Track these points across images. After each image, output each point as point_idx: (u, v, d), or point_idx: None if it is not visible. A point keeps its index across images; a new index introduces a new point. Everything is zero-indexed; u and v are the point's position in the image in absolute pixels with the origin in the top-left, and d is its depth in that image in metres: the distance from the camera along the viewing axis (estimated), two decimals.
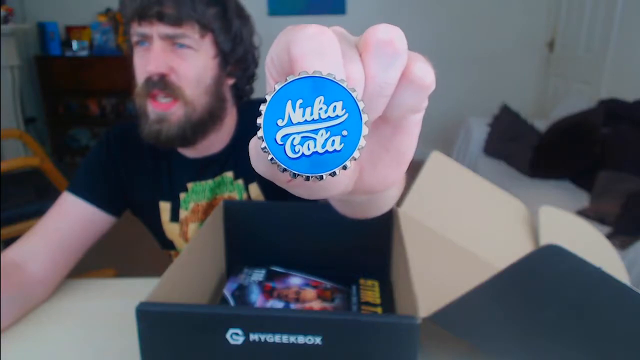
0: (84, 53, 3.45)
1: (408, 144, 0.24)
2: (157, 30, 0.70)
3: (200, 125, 0.76)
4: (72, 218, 0.78)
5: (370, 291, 0.66)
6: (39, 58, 3.47)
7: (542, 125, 2.53)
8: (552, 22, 3.37)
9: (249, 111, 0.86)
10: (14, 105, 2.96)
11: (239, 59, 0.80)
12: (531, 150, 2.27)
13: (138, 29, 0.72)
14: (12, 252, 0.72)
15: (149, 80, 0.72)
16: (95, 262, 1.17)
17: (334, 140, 0.19)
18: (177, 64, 0.72)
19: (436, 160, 0.84)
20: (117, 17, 3.40)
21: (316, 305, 0.62)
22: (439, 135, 3.64)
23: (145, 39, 0.72)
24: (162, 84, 0.71)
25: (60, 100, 3.57)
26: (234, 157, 0.84)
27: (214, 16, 0.73)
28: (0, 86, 2.82)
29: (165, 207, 0.85)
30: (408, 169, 0.26)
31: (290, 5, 3.49)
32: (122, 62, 3.34)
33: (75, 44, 3.44)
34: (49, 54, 3.45)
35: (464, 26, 3.53)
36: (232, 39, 0.77)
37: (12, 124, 2.93)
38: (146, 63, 0.71)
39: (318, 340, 0.42)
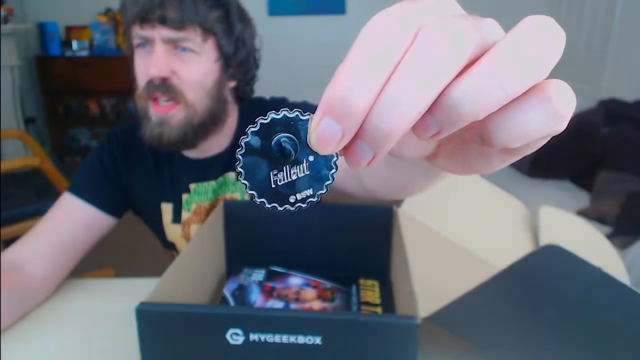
0: (84, 53, 3.44)
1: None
2: (159, 33, 0.70)
3: (201, 128, 0.76)
4: (73, 219, 0.78)
5: (370, 291, 0.66)
6: (39, 58, 3.46)
7: None
8: None
9: (250, 112, 0.86)
10: (14, 105, 2.96)
11: (240, 62, 0.79)
12: None
13: (140, 32, 0.71)
14: (12, 253, 0.72)
15: (150, 83, 0.71)
16: (95, 262, 1.17)
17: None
18: (179, 68, 0.72)
19: None
20: (117, 17, 3.40)
21: (316, 305, 0.62)
22: None
23: (146, 42, 0.72)
24: (163, 87, 0.71)
25: (60, 100, 3.57)
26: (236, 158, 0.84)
27: (216, 19, 0.73)
28: (0, 86, 2.82)
29: (167, 208, 0.85)
30: None
31: (290, 5, 3.49)
32: (122, 62, 3.33)
33: (75, 44, 3.43)
34: (49, 54, 3.44)
35: None
36: (234, 42, 0.76)
37: (12, 124, 2.93)
38: (148, 66, 0.71)
39: (318, 340, 0.42)
